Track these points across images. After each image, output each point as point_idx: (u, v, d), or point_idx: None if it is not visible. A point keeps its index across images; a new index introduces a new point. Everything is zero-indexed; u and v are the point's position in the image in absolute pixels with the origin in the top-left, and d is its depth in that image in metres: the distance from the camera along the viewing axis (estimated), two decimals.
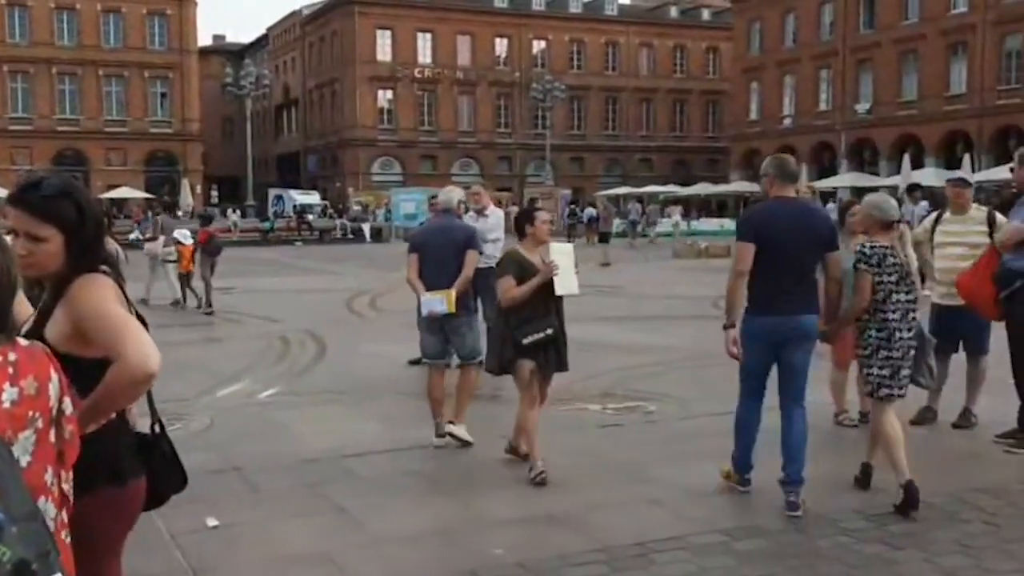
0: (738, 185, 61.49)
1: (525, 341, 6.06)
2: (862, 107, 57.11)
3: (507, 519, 5.27)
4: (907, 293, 5.61)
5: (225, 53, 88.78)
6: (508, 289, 6.12)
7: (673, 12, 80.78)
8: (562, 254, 6.29)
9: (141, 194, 60.59)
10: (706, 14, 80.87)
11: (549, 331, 6.12)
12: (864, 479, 5.82)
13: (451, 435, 6.92)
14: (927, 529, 4.96)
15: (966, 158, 43.46)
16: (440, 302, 6.89)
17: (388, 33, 70.95)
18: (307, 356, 11.24)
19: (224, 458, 6.64)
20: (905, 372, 5.59)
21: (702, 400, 8.28)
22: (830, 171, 57.64)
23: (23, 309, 2.64)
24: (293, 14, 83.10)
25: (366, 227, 46.61)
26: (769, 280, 5.40)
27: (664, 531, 5.01)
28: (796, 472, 5.39)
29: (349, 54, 70.48)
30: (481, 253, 7.59)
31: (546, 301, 6.18)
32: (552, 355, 6.25)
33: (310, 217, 51.05)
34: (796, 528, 5.03)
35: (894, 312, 5.54)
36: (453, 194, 7.54)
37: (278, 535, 5.14)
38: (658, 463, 6.39)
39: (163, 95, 67.94)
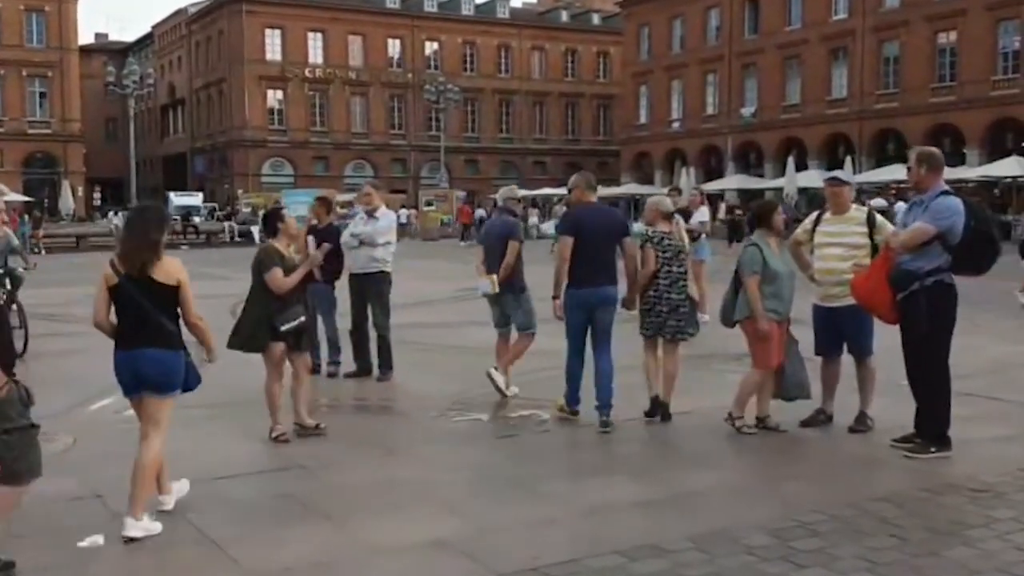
0: (629, 187, 62.02)
1: (282, 328, 6.95)
2: (748, 111, 58.21)
3: (390, 546, 4.88)
4: (679, 267, 7.47)
5: (108, 51, 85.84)
6: (280, 278, 6.98)
7: (564, 16, 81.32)
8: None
9: (19, 197, 57.84)
10: (596, 19, 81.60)
11: (303, 319, 7.09)
12: (653, 410, 7.50)
13: (489, 376, 8.47)
14: (831, 544, 4.74)
15: (848, 160, 44.66)
16: (487, 285, 8.51)
17: (277, 32, 69.55)
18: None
19: (85, 483, 6.08)
20: (671, 323, 7.44)
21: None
22: (717, 173, 58.66)
23: None
24: (179, 12, 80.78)
25: (255, 229, 45.38)
26: (582, 262, 7.26)
27: (559, 554, 4.68)
28: (606, 400, 7.27)
29: (237, 53, 68.81)
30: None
31: (297, 292, 7.12)
32: (303, 338, 7.23)
33: (196, 220, 49.51)
34: (697, 547, 4.76)
35: (665, 280, 7.40)
36: (505, 193, 9.08)
37: (138, 571, 4.67)
38: (553, 477, 6.07)
39: (42, 94, 65.30)
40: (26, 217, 42.15)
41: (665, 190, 44.08)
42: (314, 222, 10.12)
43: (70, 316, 15.13)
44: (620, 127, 71.57)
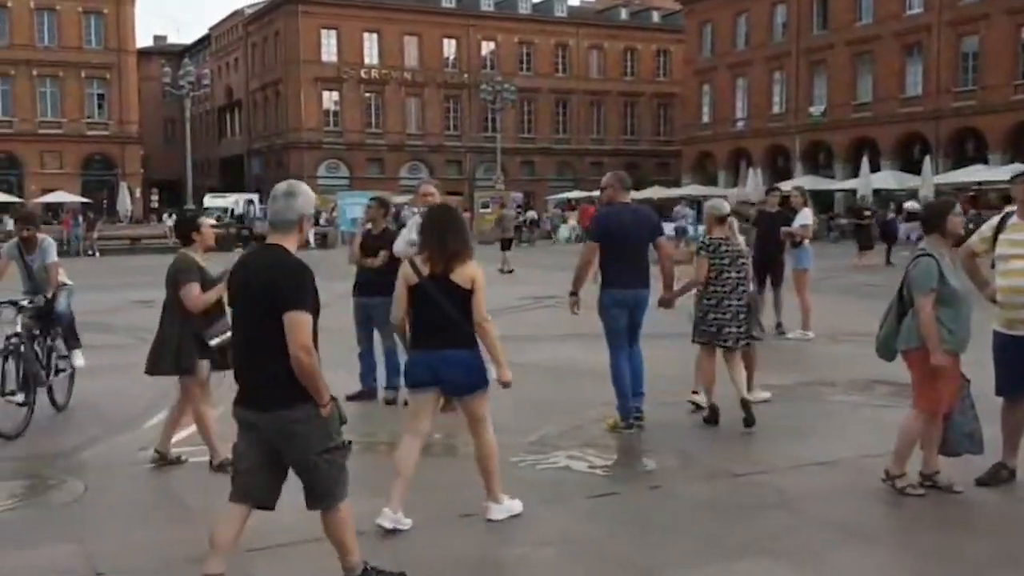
0: (691, 188, 60.32)
1: (213, 343, 6.23)
2: (816, 109, 56.20)
3: None
4: (737, 272, 7.46)
5: (166, 54, 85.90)
6: (197, 295, 6.27)
7: (623, 14, 79.67)
8: None
9: (77, 198, 57.95)
10: (656, 16, 79.86)
11: (229, 333, 6.01)
12: (713, 417, 7.45)
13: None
14: None
15: (926, 161, 42.60)
16: None
17: (333, 33, 68.87)
18: (223, 388, 9.33)
19: (83, 553, 4.86)
20: (728, 329, 7.38)
21: (713, 452, 6.65)
22: (784, 174, 56.68)
23: None
24: (235, 14, 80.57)
25: (310, 233, 44.49)
26: (617, 262, 7.25)
27: None
28: (640, 397, 7.42)
29: (293, 54, 68.27)
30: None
31: (222, 303, 6.27)
32: (228, 356, 6.22)
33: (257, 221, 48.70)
34: None
35: (723, 286, 7.39)
36: (739, 196, 8.74)
37: None
38: (680, 560, 4.66)
39: (100, 96, 65.20)
40: (79, 218, 41.80)
41: (733, 191, 41.84)
42: (368, 226, 8.86)
43: (108, 326, 13.98)
44: (681, 127, 69.78)
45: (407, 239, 8.24)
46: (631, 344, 7.47)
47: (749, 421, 7.17)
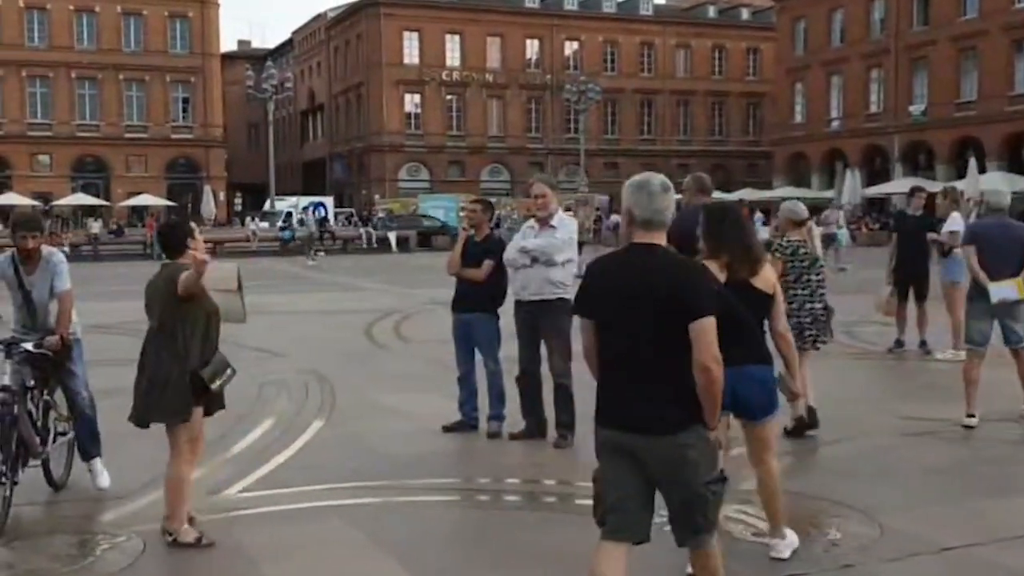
0: (783, 191, 58.28)
1: (215, 385, 5.09)
2: (917, 109, 53.80)
3: None
4: (816, 275, 7.36)
5: (250, 58, 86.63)
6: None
7: (711, 12, 77.82)
8: (223, 279, 5.27)
9: (162, 202, 58.60)
10: (745, 13, 77.88)
11: (230, 371, 5.19)
12: (811, 419, 7.34)
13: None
14: None
15: None
16: (1008, 290, 7.34)
17: (415, 35, 68.46)
18: (307, 417, 8.33)
19: None
20: (808, 333, 7.28)
21: (902, 512, 5.34)
22: (883, 175, 54.44)
23: None
24: (318, 17, 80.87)
25: (392, 236, 43.86)
26: None
27: None
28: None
29: (375, 57, 68.02)
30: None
31: (215, 334, 5.23)
32: (218, 400, 5.29)
33: (333, 225, 48.32)
34: None
35: (804, 289, 7.29)
36: (1004, 196, 8.10)
37: None
38: None
39: (185, 100, 65.99)
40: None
41: (829, 193, 39.56)
42: (470, 232, 7.67)
43: None
44: (772, 127, 67.66)
45: (518, 247, 7.11)
46: None
47: (812, 424, 7.25)
